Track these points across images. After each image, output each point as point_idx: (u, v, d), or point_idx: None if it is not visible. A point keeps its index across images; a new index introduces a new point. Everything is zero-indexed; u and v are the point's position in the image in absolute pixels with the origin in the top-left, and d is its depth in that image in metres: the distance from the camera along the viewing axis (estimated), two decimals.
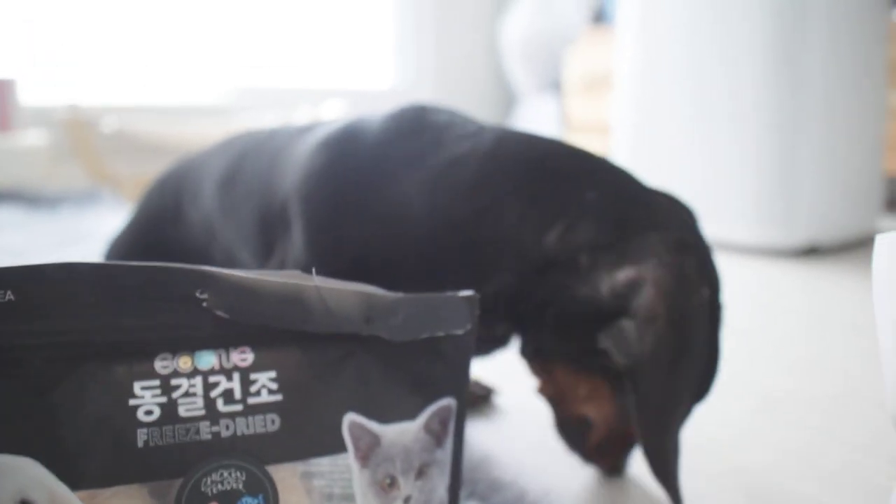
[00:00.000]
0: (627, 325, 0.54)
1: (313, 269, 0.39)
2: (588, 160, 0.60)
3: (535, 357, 0.61)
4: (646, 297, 0.53)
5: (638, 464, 0.66)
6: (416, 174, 0.61)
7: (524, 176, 0.59)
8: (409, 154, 0.62)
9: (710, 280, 0.57)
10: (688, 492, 0.62)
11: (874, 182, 1.76)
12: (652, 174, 1.83)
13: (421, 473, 0.42)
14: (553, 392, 0.62)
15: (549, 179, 0.58)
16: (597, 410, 0.60)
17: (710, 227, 1.67)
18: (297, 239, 0.63)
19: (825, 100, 1.61)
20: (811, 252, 1.65)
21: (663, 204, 0.59)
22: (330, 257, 0.61)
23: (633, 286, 0.54)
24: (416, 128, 0.64)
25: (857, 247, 1.70)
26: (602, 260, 0.55)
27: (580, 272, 0.55)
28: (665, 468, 0.54)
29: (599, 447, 0.63)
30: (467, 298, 0.42)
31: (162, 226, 0.82)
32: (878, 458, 0.68)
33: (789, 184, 1.60)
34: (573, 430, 0.63)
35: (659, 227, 0.56)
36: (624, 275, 0.54)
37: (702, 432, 0.73)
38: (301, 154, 0.67)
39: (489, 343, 0.65)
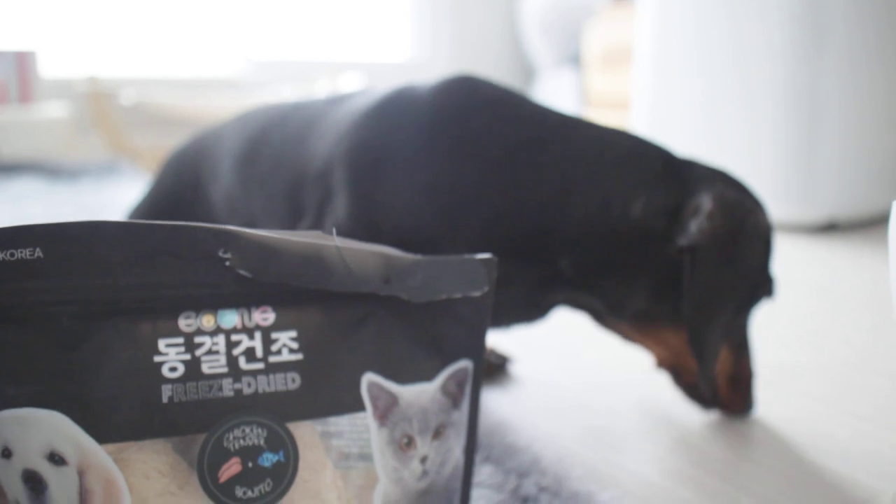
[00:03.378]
0: (691, 223, 0.61)
1: (334, 230, 0.40)
2: (643, 141, 0.66)
3: (640, 323, 0.65)
4: (708, 204, 0.61)
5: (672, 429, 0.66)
6: (480, 152, 0.63)
7: (600, 157, 0.64)
8: (469, 131, 0.64)
9: (765, 220, 0.64)
10: (699, 457, 0.63)
11: (894, 158, 1.75)
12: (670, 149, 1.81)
13: (438, 434, 0.42)
14: (670, 356, 0.66)
15: (624, 159, 0.64)
16: None
17: None
18: (340, 207, 0.64)
19: (845, 76, 1.59)
20: (830, 228, 1.64)
21: (712, 170, 0.66)
22: (373, 227, 0.63)
23: (699, 207, 0.61)
24: (471, 103, 0.66)
25: (876, 223, 1.69)
26: (677, 217, 0.62)
27: (662, 234, 0.62)
28: (702, 347, 0.61)
29: (728, 393, 0.68)
30: (485, 261, 0.43)
31: (180, 200, 0.82)
32: (887, 429, 0.68)
33: (809, 160, 1.59)
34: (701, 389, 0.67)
35: (716, 181, 0.64)
36: (693, 205, 0.62)
37: None
38: (343, 123, 0.67)
39: (537, 312, 0.68)
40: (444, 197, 0.63)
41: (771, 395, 0.76)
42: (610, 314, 0.66)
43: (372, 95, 0.69)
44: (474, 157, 0.63)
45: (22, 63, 2.24)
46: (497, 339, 0.87)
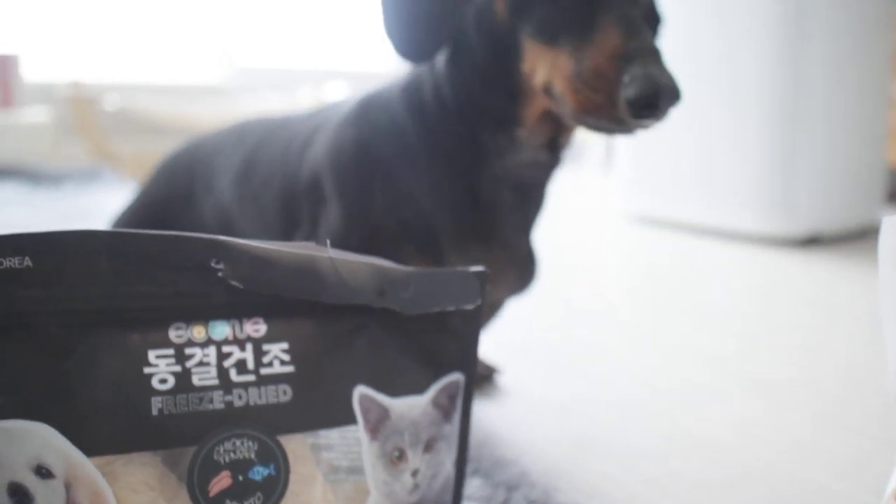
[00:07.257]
0: None
1: (328, 241, 0.40)
2: None
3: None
4: None
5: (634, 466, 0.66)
6: (441, 117, 0.66)
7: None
8: (430, 106, 0.66)
9: None
10: (684, 469, 0.63)
11: (876, 172, 1.77)
12: (653, 161, 1.83)
13: (429, 447, 0.42)
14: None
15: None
16: None
17: (712, 216, 1.67)
18: (333, 213, 0.65)
19: (828, 88, 1.61)
20: (812, 242, 1.65)
21: None
22: (370, 225, 0.64)
23: None
24: (422, 86, 0.67)
25: (858, 237, 1.71)
26: None
27: None
28: None
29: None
30: (477, 274, 0.43)
31: (171, 208, 0.82)
32: (880, 443, 0.68)
33: (791, 173, 1.60)
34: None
35: None
36: None
37: (703, 418, 0.74)
38: (322, 134, 0.69)
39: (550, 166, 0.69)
40: (434, 170, 0.65)
41: (761, 411, 0.76)
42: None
43: (344, 104, 0.71)
44: (440, 120, 0.65)
45: (4, 67, 2.22)
46: (484, 350, 0.87)
